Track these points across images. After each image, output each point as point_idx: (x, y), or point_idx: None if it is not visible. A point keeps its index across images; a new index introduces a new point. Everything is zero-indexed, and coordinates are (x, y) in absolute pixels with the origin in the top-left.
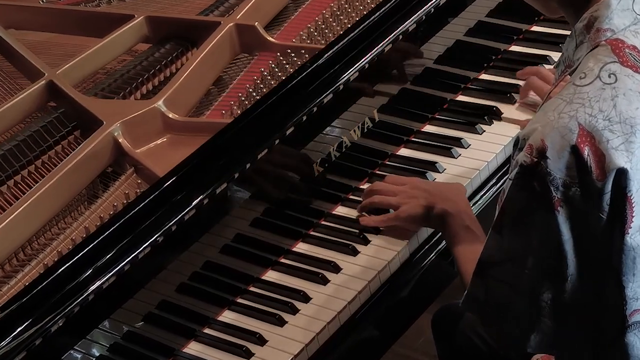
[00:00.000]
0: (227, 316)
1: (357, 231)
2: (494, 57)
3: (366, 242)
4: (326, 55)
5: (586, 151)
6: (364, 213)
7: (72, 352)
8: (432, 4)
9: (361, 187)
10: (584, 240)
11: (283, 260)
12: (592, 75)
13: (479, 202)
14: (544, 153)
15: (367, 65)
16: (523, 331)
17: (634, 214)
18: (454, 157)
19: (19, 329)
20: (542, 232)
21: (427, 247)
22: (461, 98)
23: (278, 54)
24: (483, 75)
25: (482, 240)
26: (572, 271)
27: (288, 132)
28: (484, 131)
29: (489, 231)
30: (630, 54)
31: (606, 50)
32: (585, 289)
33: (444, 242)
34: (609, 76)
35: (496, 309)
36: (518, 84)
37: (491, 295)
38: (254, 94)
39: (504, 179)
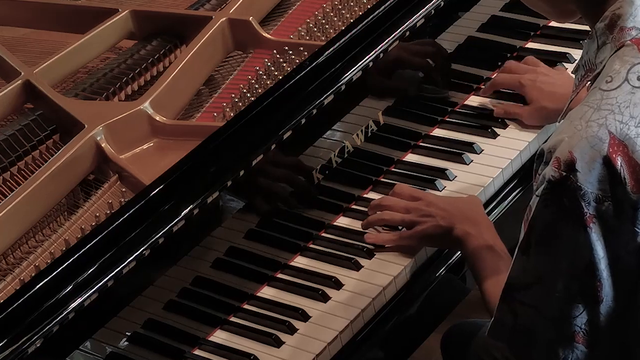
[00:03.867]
0: (219, 336)
1: (360, 244)
2: (509, 55)
3: (370, 256)
4: (327, 53)
5: (619, 161)
6: (372, 229)
7: None
8: None
9: (365, 196)
10: (618, 258)
11: (280, 276)
12: (619, 79)
13: (493, 213)
14: (573, 166)
15: (371, 64)
16: (555, 359)
17: None
18: (465, 164)
19: None
20: (573, 251)
21: (436, 261)
22: (473, 99)
23: (274, 51)
24: (497, 74)
25: (505, 259)
26: (607, 292)
27: (285, 136)
28: (498, 135)
29: (515, 252)
30: None
31: (632, 50)
32: (620, 310)
33: (454, 257)
34: (638, 79)
35: (525, 336)
36: None
37: (520, 322)
38: (249, 94)
39: (516, 191)
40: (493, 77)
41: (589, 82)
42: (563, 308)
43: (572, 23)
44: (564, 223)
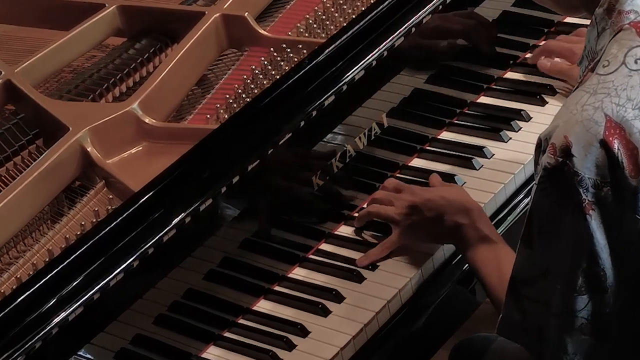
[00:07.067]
0: (213, 353)
1: (362, 254)
2: (521, 54)
3: (373, 267)
4: (327, 51)
5: (616, 145)
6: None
7: None
8: None
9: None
10: (620, 246)
11: (277, 288)
12: (616, 62)
13: (505, 222)
14: (568, 151)
15: (374, 63)
16: (564, 354)
17: None
18: (475, 169)
19: None
20: (574, 241)
21: (443, 272)
22: (484, 100)
23: (271, 49)
24: (509, 73)
25: (502, 247)
26: (611, 282)
27: (283, 139)
28: (510, 138)
29: (517, 245)
30: None
31: (630, 33)
32: (626, 301)
33: (463, 268)
34: (636, 62)
35: (535, 332)
36: (549, 84)
37: (529, 318)
38: (244, 95)
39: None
40: (542, 44)
41: (590, 72)
42: (568, 301)
43: (586, 19)
44: (563, 211)
